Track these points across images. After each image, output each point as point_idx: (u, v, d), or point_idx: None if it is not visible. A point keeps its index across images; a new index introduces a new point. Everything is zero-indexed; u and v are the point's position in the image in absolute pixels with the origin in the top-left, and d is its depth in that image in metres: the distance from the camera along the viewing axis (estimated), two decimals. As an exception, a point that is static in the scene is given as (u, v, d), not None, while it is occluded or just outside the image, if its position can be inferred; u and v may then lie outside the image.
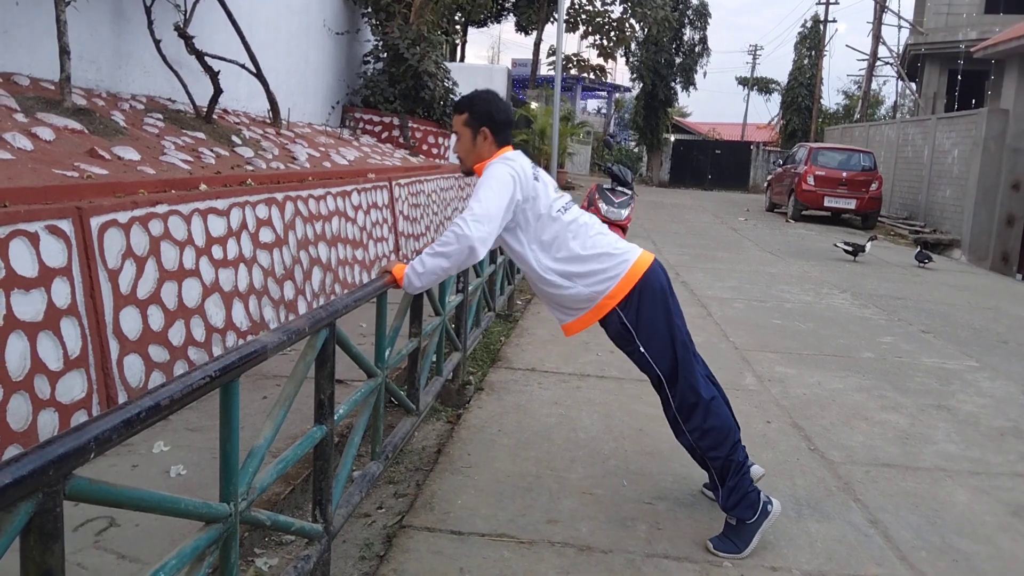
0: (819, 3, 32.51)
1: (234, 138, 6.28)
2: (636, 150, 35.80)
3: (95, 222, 3.50)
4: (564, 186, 20.90)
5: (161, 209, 4.05)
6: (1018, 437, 4.07)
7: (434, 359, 3.68)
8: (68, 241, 3.32)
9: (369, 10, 11.59)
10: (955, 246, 15.20)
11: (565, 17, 26.72)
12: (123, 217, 3.71)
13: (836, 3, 36.62)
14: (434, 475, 3.23)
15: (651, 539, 2.81)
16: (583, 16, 26.98)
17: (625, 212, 8.24)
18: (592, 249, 2.77)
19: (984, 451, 3.84)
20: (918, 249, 12.00)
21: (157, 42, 6.16)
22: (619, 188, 8.39)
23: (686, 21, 32.58)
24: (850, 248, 11.38)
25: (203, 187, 4.63)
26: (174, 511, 1.41)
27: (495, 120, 2.83)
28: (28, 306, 3.06)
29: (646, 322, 2.73)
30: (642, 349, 2.75)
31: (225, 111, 7.28)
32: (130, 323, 3.67)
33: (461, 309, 4.13)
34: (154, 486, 2.89)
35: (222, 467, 1.62)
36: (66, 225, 3.32)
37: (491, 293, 5.31)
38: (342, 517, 2.30)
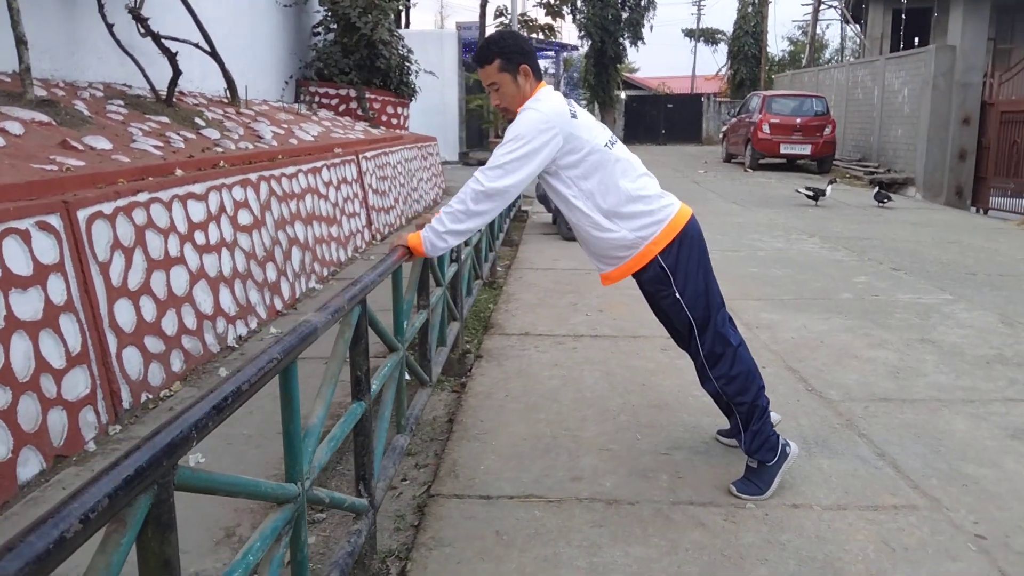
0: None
1: (197, 120, 6.14)
2: (588, 108, 35.72)
3: (82, 215, 3.42)
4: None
5: (143, 197, 3.96)
6: (1004, 364, 4.23)
7: (437, 330, 3.69)
8: (58, 236, 3.24)
9: (315, -20, 11.33)
10: (910, 184, 15.54)
11: (509, -23, 26.42)
12: (108, 208, 3.63)
13: (776, -51, 36.62)
14: (452, 444, 3.25)
15: (674, 488, 2.87)
16: (528, -25, 26.61)
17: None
18: (640, 190, 2.73)
19: (974, 379, 3.99)
20: (876, 189, 12.25)
21: (110, 27, 5.96)
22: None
23: (630, -26, 32.37)
24: (811, 193, 11.57)
25: (179, 172, 4.53)
26: (256, 494, 1.42)
27: (530, 54, 2.72)
28: (27, 305, 2.99)
29: (684, 269, 2.75)
30: (677, 295, 2.77)
31: (182, 93, 7.08)
32: (125, 316, 3.61)
33: (456, 279, 4.13)
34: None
35: (287, 448, 1.62)
36: (55, 220, 3.24)
37: (478, 261, 5.31)
38: (382, 491, 2.32)
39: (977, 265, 7.13)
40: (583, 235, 2.86)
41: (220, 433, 3.25)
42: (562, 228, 8.39)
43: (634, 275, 2.85)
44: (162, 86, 6.32)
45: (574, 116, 2.70)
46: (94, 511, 0.89)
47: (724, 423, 3.31)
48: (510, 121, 2.76)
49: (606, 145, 2.74)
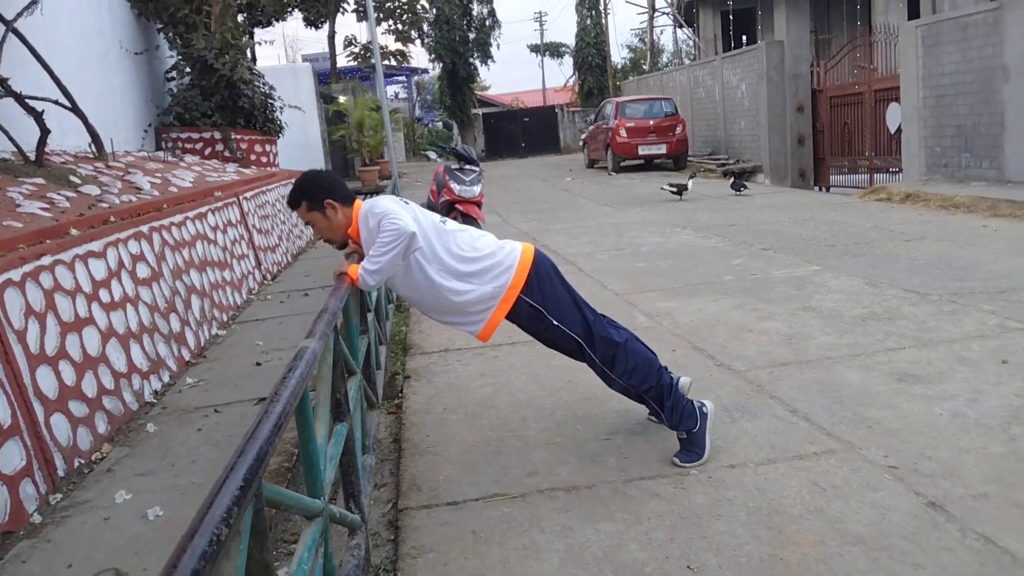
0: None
1: (72, 178, 5.92)
2: (445, 129, 36.14)
3: (-8, 284, 3.31)
4: (387, 175, 20.82)
5: (47, 260, 3.85)
6: (878, 320, 4.75)
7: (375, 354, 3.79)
8: (-28, 308, 3.13)
9: (163, 25, 11.03)
10: (758, 171, 16.71)
11: (354, 7, 26.49)
12: (16, 275, 3.52)
13: (607, -38, 38.38)
14: (405, 460, 3.36)
15: (623, 468, 3.11)
16: (374, 2, 26.75)
17: (477, 188, 8.48)
18: (483, 249, 3.04)
19: (855, 336, 4.47)
20: (732, 179, 13.15)
21: (-36, 89, 5.68)
22: (467, 167, 8.61)
23: (472, -3, 33.11)
24: (675, 189, 12.29)
25: (74, 232, 4.41)
26: (301, 509, 1.52)
27: (330, 189, 3.01)
28: (-48, 382, 2.89)
29: (550, 297, 3.05)
30: (556, 323, 3.05)
31: (46, 152, 6.79)
32: (47, 382, 3.50)
33: (378, 303, 4.23)
34: (138, 532, 2.86)
35: (308, 468, 1.72)
36: (-34, 292, 3.13)
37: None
38: (366, 507, 2.42)
39: (834, 237, 7.85)
40: (445, 306, 3.08)
41: (171, 485, 3.25)
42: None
43: (509, 319, 3.10)
44: (24, 147, 6.06)
45: (406, 202, 3.04)
46: (229, 517, 1.00)
47: (652, 404, 3.60)
48: (342, 247, 3.13)
49: (440, 222, 3.08)
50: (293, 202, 3.02)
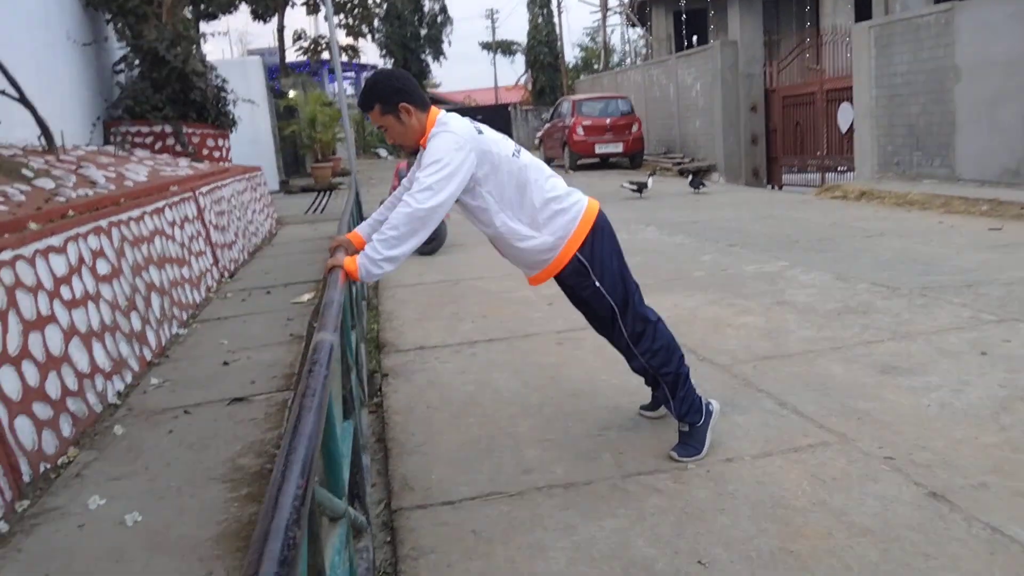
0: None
1: (24, 172, 5.65)
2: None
3: (-50, 280, 3.11)
4: (340, 172, 20.52)
5: (7, 255, 3.65)
6: (853, 313, 4.80)
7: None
8: (-69, 305, 2.93)
9: (112, 16, 10.65)
10: (713, 170, 16.90)
11: (303, 0, 26.02)
12: (-25, 270, 3.32)
13: (558, -38, 38.55)
14: (393, 460, 3.26)
15: (619, 463, 3.06)
16: (324, -2, 26.33)
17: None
18: (551, 191, 2.91)
19: (833, 330, 4.50)
20: (691, 177, 13.26)
21: (-94, 77, 5.37)
22: (430, 162, 8.48)
23: (424, -9, 32.89)
24: (635, 187, 12.34)
25: (33, 226, 4.19)
26: (332, 509, 1.43)
27: (404, 91, 2.83)
28: (-89, 384, 2.69)
29: (599, 258, 2.95)
30: (597, 283, 2.96)
31: (-8, 144, 6.48)
32: (10, 383, 3.31)
33: (356, 297, 4.11)
34: (117, 539, 2.72)
35: (329, 468, 1.62)
36: (-76, 288, 2.93)
37: (359, 282, 5.28)
38: (369, 508, 2.33)
39: (797, 234, 7.95)
40: (504, 248, 3.01)
41: (147, 490, 3.11)
42: (416, 244, 8.41)
43: None
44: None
45: (480, 132, 2.87)
46: (295, 523, 0.91)
47: (641, 399, 3.56)
48: (412, 153, 2.89)
49: (513, 155, 2.90)
50: (365, 104, 2.85)
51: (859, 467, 2.87)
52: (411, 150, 2.93)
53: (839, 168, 13.73)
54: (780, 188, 15.61)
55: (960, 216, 8.31)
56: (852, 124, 12.62)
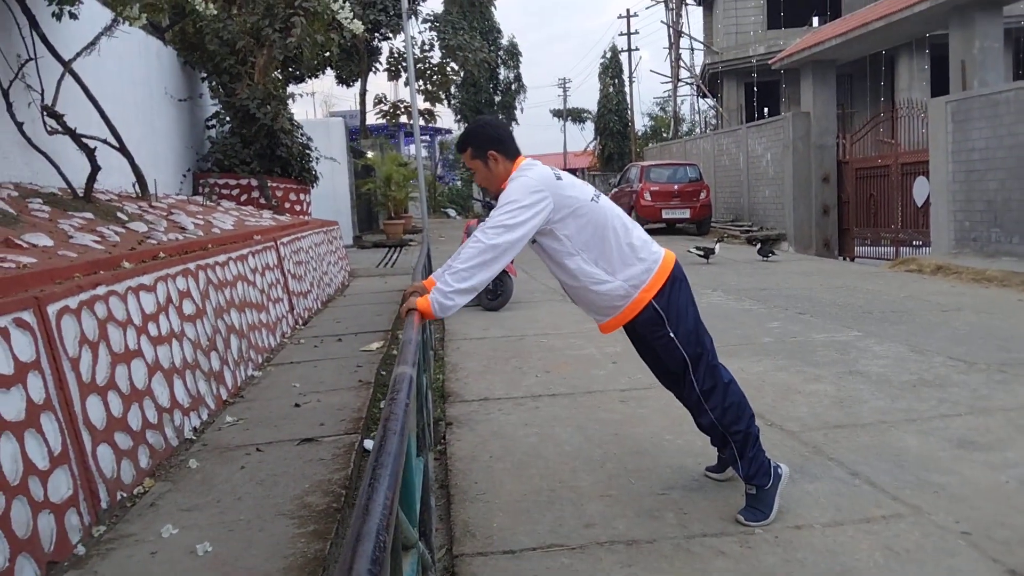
0: (621, 34, 34.85)
1: (119, 215, 5.99)
2: (464, 189, 36.57)
3: (51, 310, 3.31)
4: (411, 229, 21.01)
5: (101, 291, 3.86)
6: (928, 386, 4.66)
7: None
8: (33, 333, 3.13)
9: (208, 75, 11.31)
10: (782, 239, 16.73)
11: (386, 67, 27.11)
12: (73, 303, 3.52)
13: (636, 33, 39.42)
14: (456, 506, 3.28)
15: (683, 523, 3.02)
16: (404, 64, 27.39)
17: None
18: (630, 238, 2.97)
19: (909, 401, 4.38)
20: (759, 245, 13.15)
21: (19, 125, 5.80)
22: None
23: (500, 61, 33.89)
24: (702, 252, 12.31)
25: (126, 264, 4.44)
26: (405, 537, 1.47)
27: (497, 140, 2.98)
28: (11, 405, 2.86)
29: (675, 308, 2.96)
30: (671, 334, 2.97)
31: (91, 190, 6.90)
32: (96, 412, 3.47)
33: (423, 347, 4.20)
34: (188, 567, 2.79)
35: (404, 498, 1.67)
36: (28, 316, 3.13)
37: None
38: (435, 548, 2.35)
39: (869, 305, 7.79)
40: (577, 293, 3.06)
41: (217, 522, 3.19)
42: (483, 298, 8.54)
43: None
44: (74, 183, 6.15)
45: (559, 178, 2.95)
46: (384, 528, 0.96)
47: (707, 460, 3.52)
48: (497, 195, 2.99)
49: (592, 200, 2.97)
50: (461, 146, 3.08)
51: (934, 541, 2.77)
52: (495, 193, 3.04)
53: (914, 242, 13.44)
54: (852, 260, 15.34)
55: (1043, 294, 8.03)
56: (928, 198, 12.39)
